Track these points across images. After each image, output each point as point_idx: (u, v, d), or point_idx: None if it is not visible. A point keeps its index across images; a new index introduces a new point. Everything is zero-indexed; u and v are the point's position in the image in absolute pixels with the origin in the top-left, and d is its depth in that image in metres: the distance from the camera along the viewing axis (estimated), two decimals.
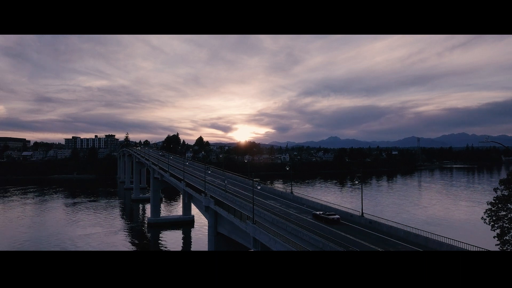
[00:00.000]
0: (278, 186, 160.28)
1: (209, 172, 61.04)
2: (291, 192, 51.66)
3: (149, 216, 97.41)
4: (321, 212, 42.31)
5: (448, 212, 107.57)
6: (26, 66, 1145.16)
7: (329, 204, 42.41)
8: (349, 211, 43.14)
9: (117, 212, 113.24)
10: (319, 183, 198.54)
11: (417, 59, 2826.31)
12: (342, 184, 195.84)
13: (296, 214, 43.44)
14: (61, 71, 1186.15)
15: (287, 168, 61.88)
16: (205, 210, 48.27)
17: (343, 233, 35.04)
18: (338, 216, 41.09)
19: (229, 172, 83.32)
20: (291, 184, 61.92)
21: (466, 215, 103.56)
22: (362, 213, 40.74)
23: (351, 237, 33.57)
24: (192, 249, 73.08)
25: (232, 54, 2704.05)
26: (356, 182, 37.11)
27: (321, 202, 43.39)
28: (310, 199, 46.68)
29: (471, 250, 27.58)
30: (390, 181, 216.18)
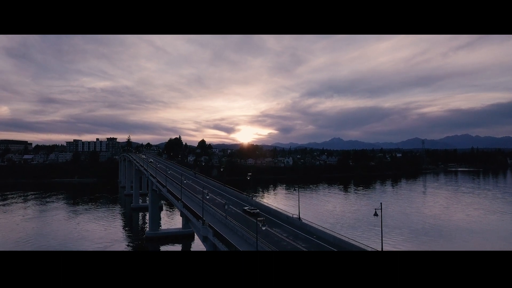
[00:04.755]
0: (283, 202, 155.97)
1: (208, 197, 57.05)
2: (299, 218, 47.32)
3: (147, 229, 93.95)
4: (247, 208, 58.02)
5: (465, 222, 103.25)
6: (30, 67, 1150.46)
7: (343, 238, 37.70)
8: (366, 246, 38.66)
9: (115, 222, 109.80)
10: (323, 189, 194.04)
11: (421, 60, 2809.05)
12: (346, 190, 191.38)
13: (305, 249, 39.53)
14: (65, 72, 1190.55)
15: (295, 189, 57.05)
16: (203, 240, 44.66)
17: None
18: (258, 210, 56.53)
19: (230, 187, 79.75)
20: (298, 198, 57.30)
21: (483, 225, 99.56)
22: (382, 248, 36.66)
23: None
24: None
25: (235, 54, 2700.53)
26: (375, 215, 34.17)
27: (333, 234, 38.85)
28: (319, 228, 42.34)
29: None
30: (396, 186, 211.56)
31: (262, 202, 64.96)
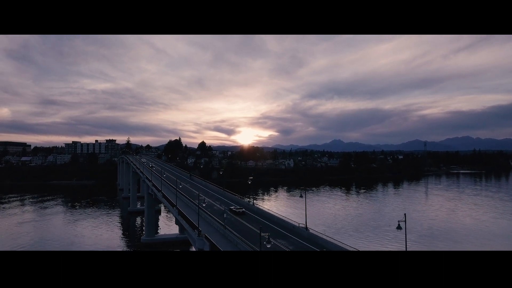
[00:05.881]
0: (284, 206, 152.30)
1: (204, 203, 52.95)
2: (306, 228, 42.57)
3: (143, 235, 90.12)
4: (233, 207, 60.63)
5: (477, 227, 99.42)
6: (31, 69, 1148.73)
7: (355, 251, 33.75)
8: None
9: (110, 227, 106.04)
10: (326, 191, 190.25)
11: (422, 62, 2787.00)
12: (349, 192, 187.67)
13: None
14: (66, 74, 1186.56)
15: (300, 197, 52.04)
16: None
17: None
18: (243, 209, 59.20)
19: (229, 192, 75.92)
20: (305, 205, 52.29)
21: (496, 229, 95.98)
22: None
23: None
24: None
25: (236, 56, 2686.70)
26: (399, 229, 30.18)
27: (345, 246, 34.44)
28: (329, 239, 37.83)
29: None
30: (399, 189, 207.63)
31: (263, 208, 60.50)
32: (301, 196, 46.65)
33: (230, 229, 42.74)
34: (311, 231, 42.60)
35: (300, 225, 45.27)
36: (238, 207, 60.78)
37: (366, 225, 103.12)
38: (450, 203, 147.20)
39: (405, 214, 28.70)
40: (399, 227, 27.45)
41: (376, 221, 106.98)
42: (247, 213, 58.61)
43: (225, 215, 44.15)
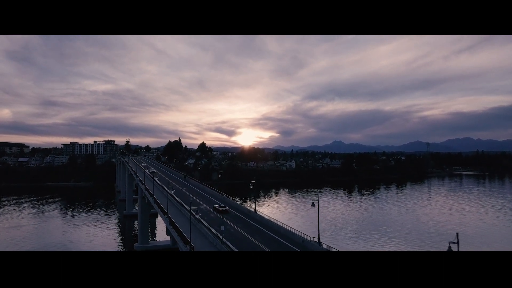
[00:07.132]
0: (287, 209, 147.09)
1: (198, 214, 46.96)
2: (318, 242, 35.81)
3: (137, 242, 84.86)
4: (217, 205, 61.91)
5: (493, 231, 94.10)
6: (32, 70, 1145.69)
7: None
8: None
9: (104, 232, 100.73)
10: (329, 193, 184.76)
11: (422, 63, 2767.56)
12: (354, 194, 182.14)
13: None
14: (67, 75, 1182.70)
15: (312, 206, 43.66)
16: None
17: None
18: (227, 207, 60.70)
19: (228, 197, 70.41)
20: (318, 215, 46.21)
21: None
22: None
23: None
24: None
25: (237, 57, 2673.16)
26: (449, 250, 25.61)
27: None
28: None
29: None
30: (404, 190, 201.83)
31: (267, 217, 52.40)
32: (313, 205, 40.97)
33: (228, 243, 37.06)
34: (325, 246, 36.50)
35: (312, 238, 38.93)
36: (222, 205, 62.42)
37: (376, 230, 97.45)
38: (460, 206, 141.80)
39: (457, 233, 23.32)
40: (449, 249, 22.06)
41: (388, 226, 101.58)
42: (232, 212, 57.07)
43: (222, 228, 38.14)
